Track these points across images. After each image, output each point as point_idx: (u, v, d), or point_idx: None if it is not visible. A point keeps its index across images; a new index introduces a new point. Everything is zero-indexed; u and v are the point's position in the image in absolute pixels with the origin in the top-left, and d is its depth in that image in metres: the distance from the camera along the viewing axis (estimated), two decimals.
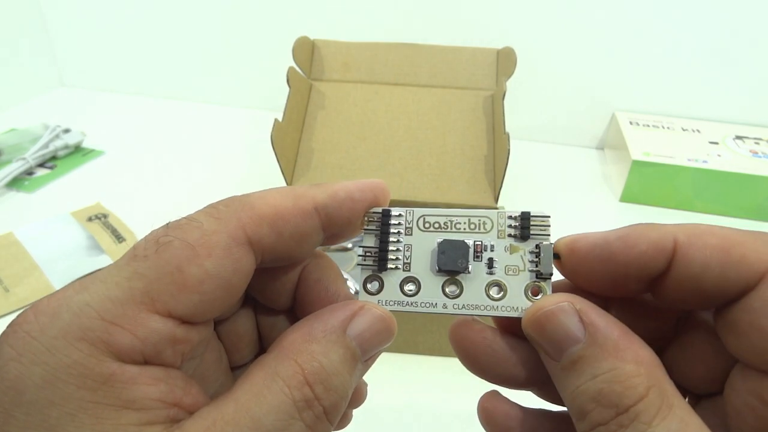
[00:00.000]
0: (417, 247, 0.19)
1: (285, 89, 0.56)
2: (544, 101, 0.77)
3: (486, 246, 0.19)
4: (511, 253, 0.19)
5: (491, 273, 0.19)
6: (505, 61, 0.60)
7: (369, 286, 0.19)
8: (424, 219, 0.20)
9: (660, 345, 0.20)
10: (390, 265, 0.19)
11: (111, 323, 0.15)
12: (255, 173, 0.66)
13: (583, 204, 0.66)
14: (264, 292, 0.21)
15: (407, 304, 0.19)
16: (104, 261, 0.51)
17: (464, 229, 0.19)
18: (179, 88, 0.86)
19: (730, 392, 0.18)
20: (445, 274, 0.19)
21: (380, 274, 0.19)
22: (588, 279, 0.19)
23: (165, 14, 0.81)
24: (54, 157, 0.69)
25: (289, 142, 0.56)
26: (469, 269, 0.19)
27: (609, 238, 0.18)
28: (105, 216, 0.57)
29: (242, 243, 0.17)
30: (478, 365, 0.20)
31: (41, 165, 0.67)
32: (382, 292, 0.19)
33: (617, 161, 0.70)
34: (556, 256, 0.19)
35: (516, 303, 0.19)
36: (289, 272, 0.21)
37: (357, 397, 0.22)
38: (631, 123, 0.72)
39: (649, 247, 0.17)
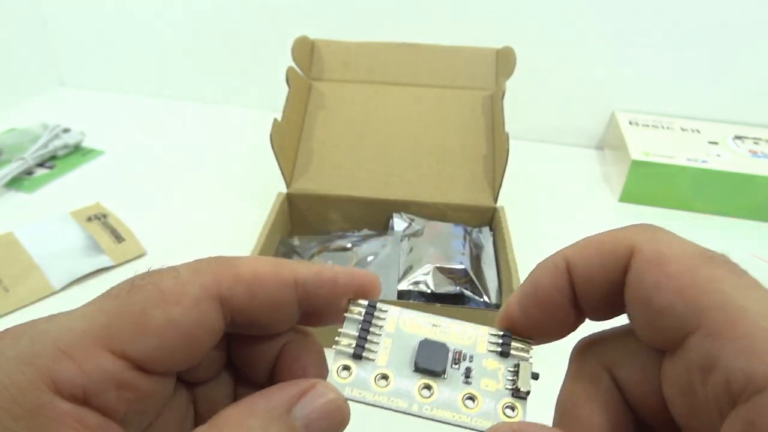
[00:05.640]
0: (397, 343, 0.20)
1: (285, 89, 0.56)
2: (544, 101, 0.77)
3: (465, 355, 0.19)
4: (489, 368, 0.19)
5: (467, 383, 0.19)
6: (504, 61, 0.60)
7: (341, 372, 0.19)
8: (410, 319, 0.20)
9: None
10: (366, 355, 0.19)
11: (62, 351, 0.15)
12: (255, 173, 0.66)
13: (582, 204, 0.66)
14: (244, 360, 0.21)
15: (378, 395, 0.19)
16: (103, 261, 0.51)
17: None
18: (179, 88, 0.86)
19: None
20: (421, 374, 0.19)
21: (355, 363, 0.19)
22: (536, 325, 0.19)
23: (165, 14, 0.81)
24: (53, 157, 0.69)
25: (289, 141, 0.56)
26: (446, 374, 0.19)
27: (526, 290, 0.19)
28: (104, 216, 0.57)
29: (213, 297, 0.17)
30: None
31: (41, 165, 0.67)
32: (352, 381, 0.19)
33: (617, 161, 0.70)
34: (535, 377, 0.19)
35: (487, 417, 0.18)
36: (270, 344, 0.20)
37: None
38: (630, 123, 0.72)
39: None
